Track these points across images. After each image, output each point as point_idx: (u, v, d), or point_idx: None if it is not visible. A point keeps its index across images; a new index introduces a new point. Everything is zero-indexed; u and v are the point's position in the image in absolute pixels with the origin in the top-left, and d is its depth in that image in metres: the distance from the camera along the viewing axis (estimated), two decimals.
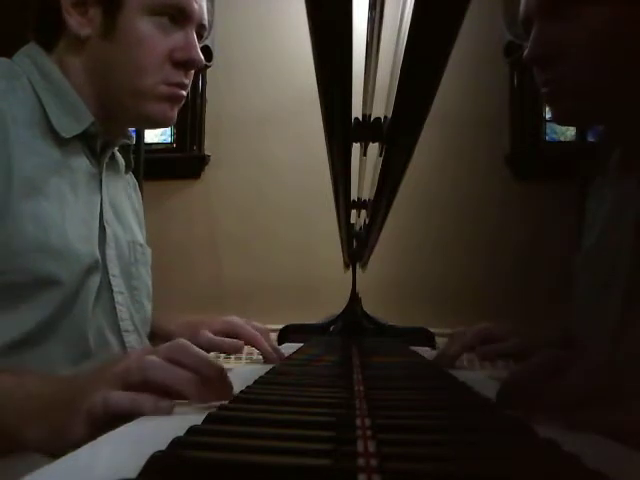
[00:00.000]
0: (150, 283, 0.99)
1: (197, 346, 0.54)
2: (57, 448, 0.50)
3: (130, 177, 1.03)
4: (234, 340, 0.99)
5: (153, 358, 0.52)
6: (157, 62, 0.84)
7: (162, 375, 0.50)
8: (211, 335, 0.98)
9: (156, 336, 0.99)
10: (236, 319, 1.03)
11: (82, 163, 0.85)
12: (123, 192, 0.98)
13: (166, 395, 0.50)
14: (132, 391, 0.50)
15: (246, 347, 1.04)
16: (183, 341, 0.55)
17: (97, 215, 0.86)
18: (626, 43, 0.75)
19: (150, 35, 0.83)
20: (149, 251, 1.01)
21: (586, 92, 0.79)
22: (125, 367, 0.52)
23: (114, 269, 0.87)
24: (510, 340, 0.91)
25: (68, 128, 0.81)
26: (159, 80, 0.85)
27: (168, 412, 0.48)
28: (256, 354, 1.05)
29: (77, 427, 0.50)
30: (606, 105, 0.80)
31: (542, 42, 0.80)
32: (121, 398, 0.49)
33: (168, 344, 0.55)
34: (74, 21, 0.82)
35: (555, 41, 0.79)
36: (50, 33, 0.85)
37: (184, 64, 0.86)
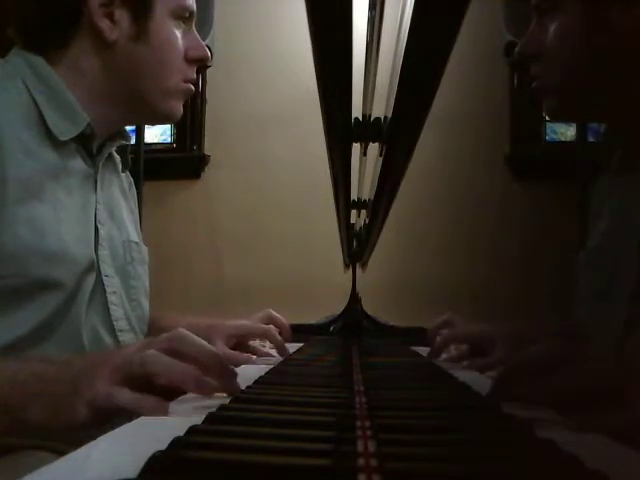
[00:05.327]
0: (147, 281, 0.99)
1: None
2: (56, 429, 0.54)
3: (126, 175, 1.03)
4: (246, 355, 1.02)
5: (153, 352, 0.54)
6: (180, 61, 0.90)
7: (162, 370, 0.52)
8: (226, 348, 1.00)
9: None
10: (245, 323, 1.06)
11: (78, 164, 0.84)
12: (119, 191, 0.98)
13: (167, 388, 0.53)
14: (133, 383, 0.52)
15: None
16: (182, 330, 0.57)
17: (92, 216, 0.86)
18: (601, 44, 0.78)
19: (175, 36, 0.89)
20: (145, 249, 1.00)
21: (566, 90, 0.83)
22: (127, 360, 0.54)
23: (107, 269, 0.87)
24: (496, 355, 0.92)
25: (65, 130, 0.81)
26: (181, 78, 0.90)
27: (165, 413, 0.50)
28: (255, 356, 1.05)
29: (78, 410, 0.53)
30: (591, 103, 0.84)
31: (531, 39, 0.85)
32: (125, 397, 0.51)
33: (168, 334, 0.57)
34: (105, 24, 0.83)
35: (541, 39, 0.83)
36: (61, 36, 0.84)
37: (197, 61, 0.93)
